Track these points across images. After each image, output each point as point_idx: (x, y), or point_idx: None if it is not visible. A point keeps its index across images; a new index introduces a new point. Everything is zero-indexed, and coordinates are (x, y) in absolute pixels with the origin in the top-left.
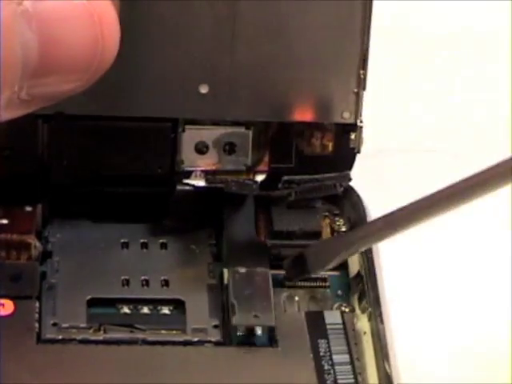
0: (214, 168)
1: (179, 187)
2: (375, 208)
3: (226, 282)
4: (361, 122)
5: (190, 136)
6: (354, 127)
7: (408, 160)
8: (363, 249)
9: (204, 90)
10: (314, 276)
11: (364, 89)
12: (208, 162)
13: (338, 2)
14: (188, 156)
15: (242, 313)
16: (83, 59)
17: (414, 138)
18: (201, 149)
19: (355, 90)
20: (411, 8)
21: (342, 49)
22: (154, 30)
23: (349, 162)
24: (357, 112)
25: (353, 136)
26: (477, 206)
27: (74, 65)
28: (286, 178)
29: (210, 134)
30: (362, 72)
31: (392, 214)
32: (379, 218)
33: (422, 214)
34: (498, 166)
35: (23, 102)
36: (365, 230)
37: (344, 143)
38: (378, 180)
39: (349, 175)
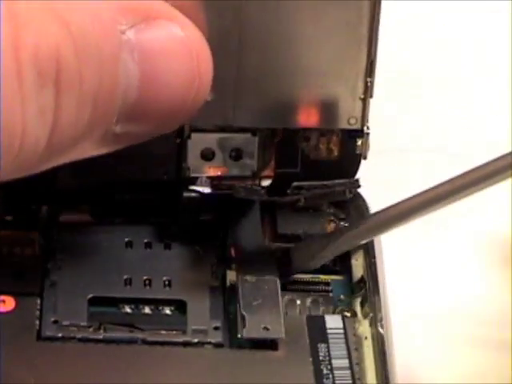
0: (220, 174)
1: (185, 194)
2: (375, 208)
3: (228, 283)
4: (367, 128)
5: (195, 142)
6: (361, 133)
7: (408, 160)
8: (348, 248)
9: (209, 97)
10: (316, 280)
11: (371, 96)
12: (214, 168)
13: (345, 10)
14: (194, 162)
15: (251, 325)
16: (180, 94)
17: (413, 138)
18: (207, 155)
19: (362, 97)
20: (413, 13)
21: (349, 56)
22: None
23: (354, 168)
24: (363, 118)
25: (359, 142)
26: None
27: (170, 100)
28: (295, 184)
29: (215, 140)
30: (369, 79)
31: (377, 213)
32: (364, 220)
33: (409, 212)
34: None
35: (116, 136)
36: (349, 229)
37: (350, 149)
38: (378, 180)
39: (358, 182)
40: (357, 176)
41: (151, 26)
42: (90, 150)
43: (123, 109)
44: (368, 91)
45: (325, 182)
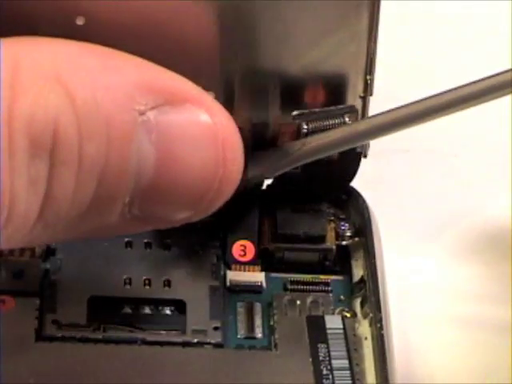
0: None
1: None
2: (375, 208)
3: (228, 283)
4: None
5: None
6: None
7: (408, 160)
8: (304, 161)
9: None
10: (316, 280)
11: (371, 94)
12: None
13: (344, 7)
14: None
15: None
16: (200, 183)
17: (413, 138)
18: None
19: (362, 95)
20: (411, 12)
21: (348, 53)
22: None
23: (354, 166)
24: (363, 116)
25: None
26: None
27: (190, 187)
28: (295, 112)
29: None
30: (368, 77)
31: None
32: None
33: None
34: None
35: (135, 218)
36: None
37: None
38: (378, 180)
39: (355, 107)
40: (357, 176)
41: (176, 109)
42: (103, 229)
43: (137, 190)
44: (368, 89)
45: (324, 109)
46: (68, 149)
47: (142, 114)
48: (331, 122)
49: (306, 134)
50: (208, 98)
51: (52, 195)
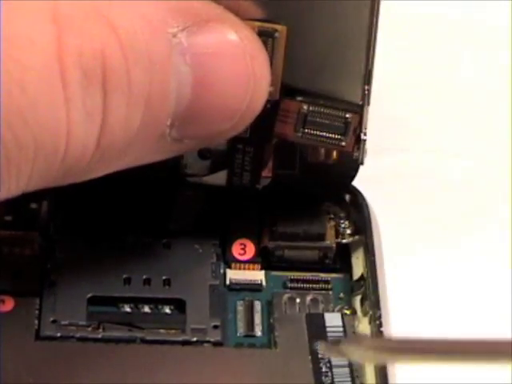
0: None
1: (183, 192)
2: (375, 208)
3: (228, 282)
4: (364, 134)
5: None
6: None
7: (408, 160)
8: None
9: None
10: (316, 278)
11: (368, 104)
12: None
13: (344, 18)
14: (191, 160)
15: None
16: (233, 98)
17: (413, 138)
18: (204, 154)
19: (359, 104)
20: (412, 14)
21: (347, 64)
22: None
23: (352, 172)
24: (361, 125)
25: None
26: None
27: (225, 104)
28: (299, 98)
29: None
30: (366, 87)
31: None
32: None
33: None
34: None
35: (174, 141)
36: None
37: (348, 154)
38: (378, 180)
39: (359, 106)
40: (358, 175)
41: (203, 28)
42: (145, 155)
43: (177, 112)
44: (365, 99)
45: (329, 100)
46: (117, 77)
47: (174, 36)
48: (331, 112)
49: (305, 116)
50: (231, 16)
51: (108, 124)
